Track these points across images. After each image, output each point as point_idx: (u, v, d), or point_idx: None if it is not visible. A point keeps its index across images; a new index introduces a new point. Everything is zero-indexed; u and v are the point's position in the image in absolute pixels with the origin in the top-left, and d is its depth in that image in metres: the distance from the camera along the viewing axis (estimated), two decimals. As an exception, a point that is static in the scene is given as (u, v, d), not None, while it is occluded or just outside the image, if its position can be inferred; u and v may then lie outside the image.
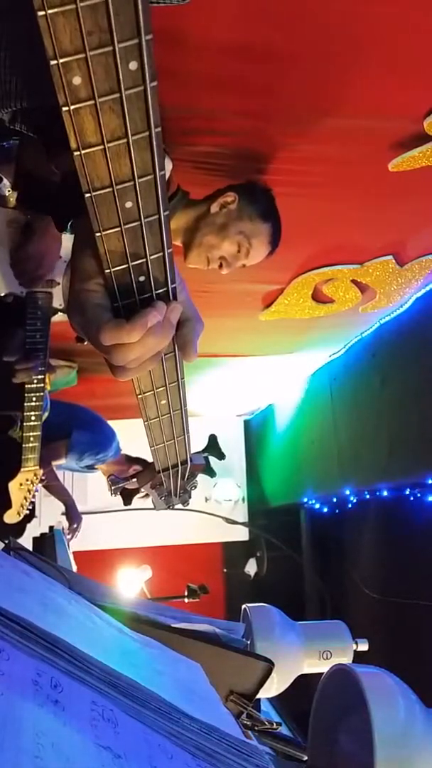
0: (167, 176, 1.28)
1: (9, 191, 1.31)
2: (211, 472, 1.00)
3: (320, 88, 1.34)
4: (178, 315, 0.52)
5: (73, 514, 2.39)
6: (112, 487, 1.09)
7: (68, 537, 2.26)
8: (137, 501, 1.08)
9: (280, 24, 1.17)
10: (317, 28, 1.18)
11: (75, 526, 2.37)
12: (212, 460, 1.00)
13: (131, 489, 1.06)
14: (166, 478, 0.85)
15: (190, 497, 0.96)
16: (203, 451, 1.00)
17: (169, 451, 0.76)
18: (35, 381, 1.48)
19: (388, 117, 1.43)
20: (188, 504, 0.97)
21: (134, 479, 1.00)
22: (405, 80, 1.32)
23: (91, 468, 2.49)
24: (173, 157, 1.31)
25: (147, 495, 0.98)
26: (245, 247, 1.36)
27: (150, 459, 0.83)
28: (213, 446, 1.01)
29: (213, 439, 1.02)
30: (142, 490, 0.98)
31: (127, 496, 1.07)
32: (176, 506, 0.96)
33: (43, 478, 1.78)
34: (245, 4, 1.12)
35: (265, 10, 1.13)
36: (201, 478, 0.95)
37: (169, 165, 1.27)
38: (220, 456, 1.03)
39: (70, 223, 0.57)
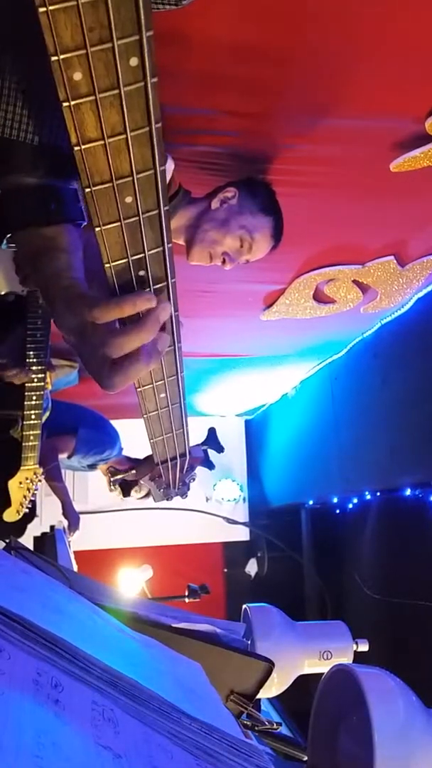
0: (169, 177, 1.28)
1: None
2: (209, 465, 1.00)
3: (321, 89, 1.34)
4: (167, 315, 0.51)
5: (70, 515, 2.39)
6: (111, 479, 1.09)
7: (67, 537, 2.27)
8: (138, 501, 1.09)
9: (280, 24, 1.17)
10: (317, 28, 1.18)
11: (72, 526, 2.38)
12: (211, 453, 1.00)
13: (130, 481, 1.06)
14: (165, 471, 0.85)
15: (188, 490, 0.97)
16: (202, 443, 1.00)
17: (168, 444, 0.76)
18: (35, 380, 1.48)
19: (389, 117, 1.43)
20: (186, 496, 0.97)
21: (133, 471, 1.00)
22: (406, 80, 1.32)
23: (92, 467, 2.50)
24: (174, 156, 1.31)
25: (147, 494, 0.99)
26: (247, 241, 1.36)
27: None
28: (212, 439, 1.01)
29: (212, 431, 1.02)
30: (141, 482, 0.99)
31: (126, 488, 1.08)
32: (174, 498, 0.96)
33: (41, 478, 1.79)
34: (245, 4, 1.12)
35: (265, 10, 1.13)
36: (202, 478, 0.95)
37: (171, 165, 1.27)
38: (219, 449, 1.03)
39: (6, 238, 0.57)
